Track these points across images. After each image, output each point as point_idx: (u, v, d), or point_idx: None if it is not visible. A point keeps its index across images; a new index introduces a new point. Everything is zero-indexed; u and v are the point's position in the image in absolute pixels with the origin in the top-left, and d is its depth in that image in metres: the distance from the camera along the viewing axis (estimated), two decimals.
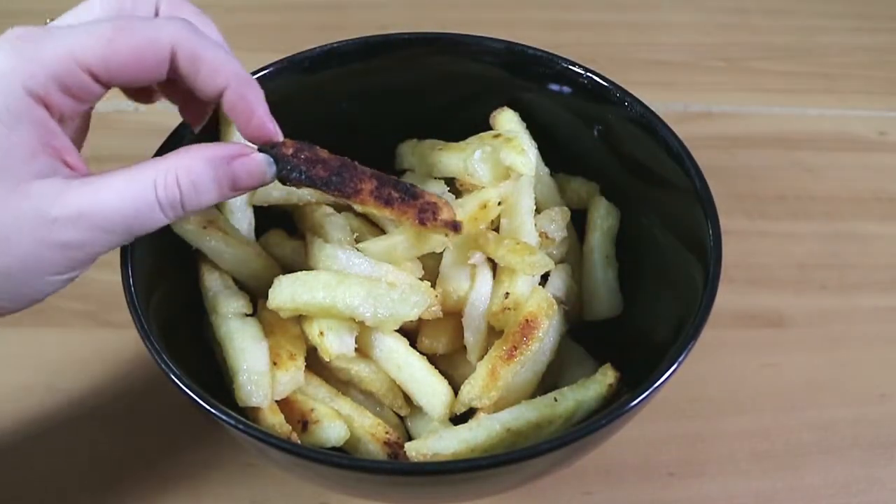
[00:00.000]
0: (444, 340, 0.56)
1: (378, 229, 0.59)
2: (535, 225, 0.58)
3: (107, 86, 0.44)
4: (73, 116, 0.45)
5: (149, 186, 0.43)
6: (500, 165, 0.55)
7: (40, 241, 0.42)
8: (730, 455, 0.61)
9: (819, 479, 0.60)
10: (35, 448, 0.60)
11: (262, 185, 0.48)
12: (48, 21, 0.47)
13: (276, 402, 0.52)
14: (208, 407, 0.45)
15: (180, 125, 0.57)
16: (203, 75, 0.45)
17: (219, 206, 0.58)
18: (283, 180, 0.49)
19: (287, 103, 0.61)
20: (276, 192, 0.58)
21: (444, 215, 0.51)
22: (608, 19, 0.97)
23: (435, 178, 0.60)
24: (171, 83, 0.47)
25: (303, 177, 0.49)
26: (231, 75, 0.46)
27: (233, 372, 0.51)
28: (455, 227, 0.51)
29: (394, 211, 0.50)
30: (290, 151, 0.49)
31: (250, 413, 0.50)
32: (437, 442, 0.49)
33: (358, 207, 0.51)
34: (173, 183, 0.44)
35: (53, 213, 0.42)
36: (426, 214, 0.50)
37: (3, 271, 0.42)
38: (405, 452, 0.50)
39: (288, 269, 0.57)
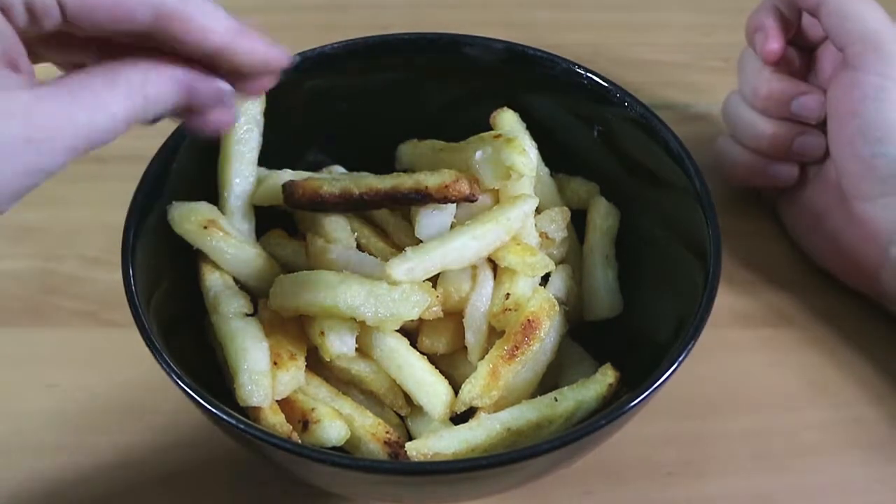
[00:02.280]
0: (444, 340, 0.56)
1: (379, 230, 0.59)
2: (536, 225, 0.58)
3: (66, 20, 0.40)
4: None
5: (119, 102, 0.40)
6: (501, 166, 0.55)
7: (6, 160, 0.38)
8: (730, 455, 0.61)
9: (819, 479, 0.60)
10: (34, 448, 0.60)
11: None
12: None
13: (277, 401, 0.52)
14: (209, 406, 0.45)
15: (179, 127, 0.57)
16: (190, 36, 0.42)
17: (220, 207, 0.58)
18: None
19: (287, 103, 0.61)
20: (277, 192, 0.58)
21: (460, 189, 0.53)
22: (608, 19, 0.97)
23: None
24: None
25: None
26: (224, 32, 0.43)
27: (233, 372, 0.51)
28: (471, 199, 0.54)
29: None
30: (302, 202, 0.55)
31: (251, 413, 0.50)
32: (437, 442, 0.49)
33: None
34: (141, 100, 0.41)
35: (25, 133, 0.38)
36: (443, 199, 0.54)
37: None
38: (405, 452, 0.50)
39: (288, 269, 0.57)
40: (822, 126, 0.67)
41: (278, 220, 0.61)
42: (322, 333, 0.51)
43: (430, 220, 0.55)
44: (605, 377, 0.53)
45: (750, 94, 0.68)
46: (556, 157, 0.63)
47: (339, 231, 0.56)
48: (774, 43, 0.65)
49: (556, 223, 0.59)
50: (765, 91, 0.66)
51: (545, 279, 0.58)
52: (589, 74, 0.60)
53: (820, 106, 0.65)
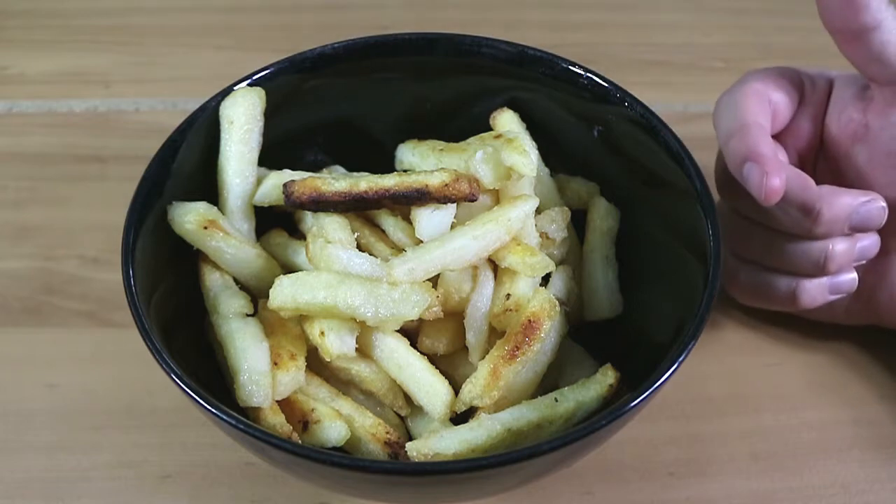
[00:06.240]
0: (444, 340, 0.56)
1: (379, 230, 0.59)
2: (536, 225, 0.58)
3: None
4: None
5: None
6: (502, 166, 0.55)
7: None
8: (730, 455, 0.61)
9: (819, 479, 0.60)
10: (34, 448, 0.60)
11: None
12: None
13: (277, 402, 0.52)
14: (209, 406, 0.45)
15: (179, 127, 0.57)
16: None
17: (220, 207, 0.58)
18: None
19: (287, 103, 0.61)
20: (277, 192, 0.58)
21: (461, 188, 0.54)
22: (608, 19, 0.97)
23: None
24: None
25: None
26: None
27: (233, 372, 0.51)
28: (471, 199, 0.54)
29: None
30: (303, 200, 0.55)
31: (251, 413, 0.50)
32: (437, 442, 0.49)
33: None
34: None
35: None
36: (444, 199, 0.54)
37: None
38: (406, 452, 0.50)
39: (288, 269, 0.57)
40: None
41: (278, 220, 0.61)
42: (322, 333, 0.51)
43: (430, 220, 0.55)
44: (606, 377, 0.53)
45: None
46: (556, 157, 0.63)
47: (339, 231, 0.56)
48: (776, 179, 0.53)
49: (557, 223, 0.59)
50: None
51: (545, 279, 0.58)
52: (589, 74, 0.60)
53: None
